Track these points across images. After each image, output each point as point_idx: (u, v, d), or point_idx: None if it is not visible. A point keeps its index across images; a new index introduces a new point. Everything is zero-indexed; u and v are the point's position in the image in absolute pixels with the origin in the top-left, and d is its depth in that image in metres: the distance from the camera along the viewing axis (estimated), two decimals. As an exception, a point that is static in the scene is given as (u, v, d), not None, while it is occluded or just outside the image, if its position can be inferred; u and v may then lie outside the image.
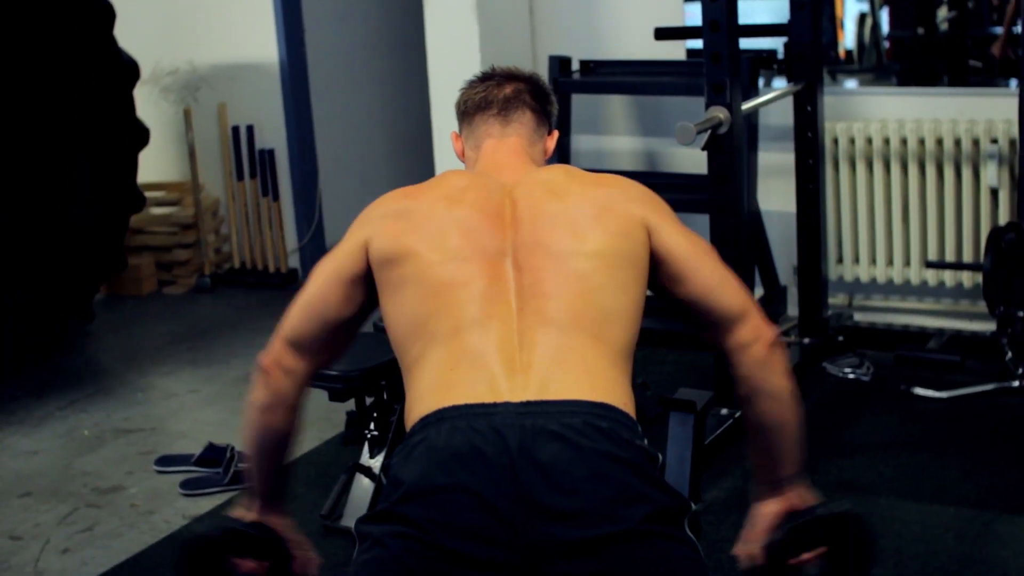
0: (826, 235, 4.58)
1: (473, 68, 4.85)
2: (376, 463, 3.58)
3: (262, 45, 6.24)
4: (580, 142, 5.22)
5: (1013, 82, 5.31)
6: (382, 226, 2.23)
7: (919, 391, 4.27)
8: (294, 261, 6.44)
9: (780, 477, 2.29)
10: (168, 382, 4.99)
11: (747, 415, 2.31)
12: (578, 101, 5.08)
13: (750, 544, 2.26)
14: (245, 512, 2.37)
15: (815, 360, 4.49)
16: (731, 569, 3.20)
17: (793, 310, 4.76)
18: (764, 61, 4.73)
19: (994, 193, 4.56)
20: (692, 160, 4.85)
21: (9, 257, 4.94)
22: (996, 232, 4.19)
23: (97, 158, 5.22)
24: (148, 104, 6.19)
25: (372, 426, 3.65)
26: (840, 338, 4.60)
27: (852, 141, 4.73)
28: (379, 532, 1.99)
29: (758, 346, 2.24)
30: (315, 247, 6.45)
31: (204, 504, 3.82)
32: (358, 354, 3.71)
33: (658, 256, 2.24)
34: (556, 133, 2.56)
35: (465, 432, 1.97)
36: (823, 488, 3.59)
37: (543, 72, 5.08)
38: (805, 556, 2.20)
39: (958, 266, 4.64)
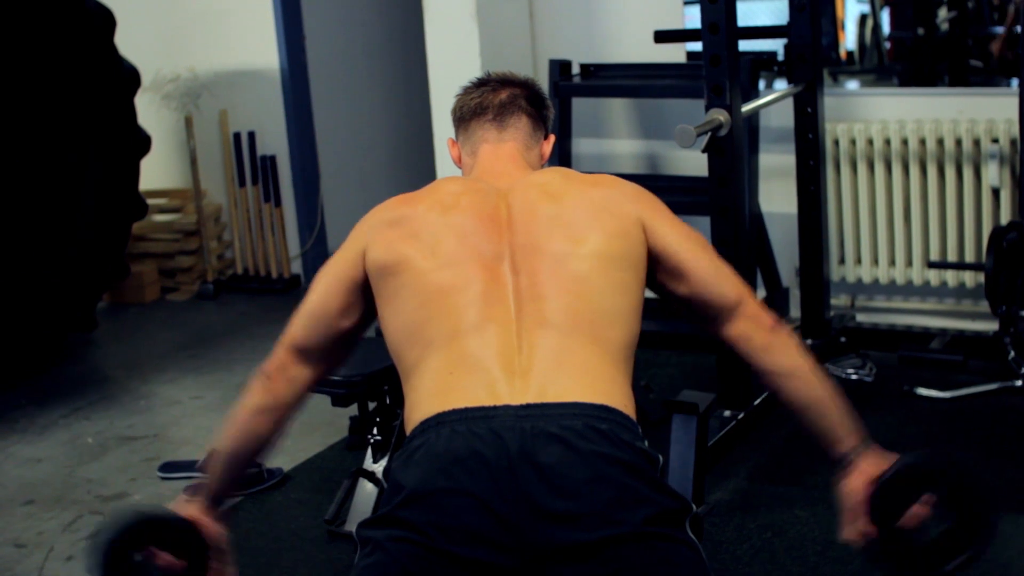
0: (828, 236, 4.57)
1: (473, 72, 4.90)
2: (379, 468, 3.58)
3: (263, 52, 6.24)
4: (581, 145, 5.22)
5: (1014, 82, 5.31)
6: (377, 235, 2.24)
7: (922, 391, 4.27)
8: (296, 267, 6.44)
9: (845, 452, 2.27)
10: (171, 389, 4.99)
11: (782, 401, 2.30)
12: (578, 105, 5.08)
13: (854, 524, 2.20)
14: (184, 505, 2.35)
15: (818, 361, 4.48)
16: (735, 571, 3.21)
17: (796, 312, 4.76)
18: (764, 63, 4.74)
19: (995, 193, 4.56)
20: (693, 163, 4.85)
21: (11, 266, 4.95)
22: (998, 232, 4.18)
23: (99, 166, 5.22)
24: (149, 112, 6.19)
25: (375, 431, 3.65)
26: (843, 339, 4.59)
27: (853, 142, 4.73)
28: (380, 536, 1.99)
29: (760, 333, 2.28)
30: (317, 253, 6.45)
31: (208, 510, 3.81)
32: (361, 359, 3.71)
33: (655, 253, 2.25)
34: (552, 138, 2.57)
35: (465, 436, 1.97)
36: (825, 489, 3.60)
37: (543, 76, 5.09)
38: (916, 510, 2.14)
39: (960, 266, 4.64)
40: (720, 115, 3.64)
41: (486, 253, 2.17)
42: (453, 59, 4.98)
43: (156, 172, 6.31)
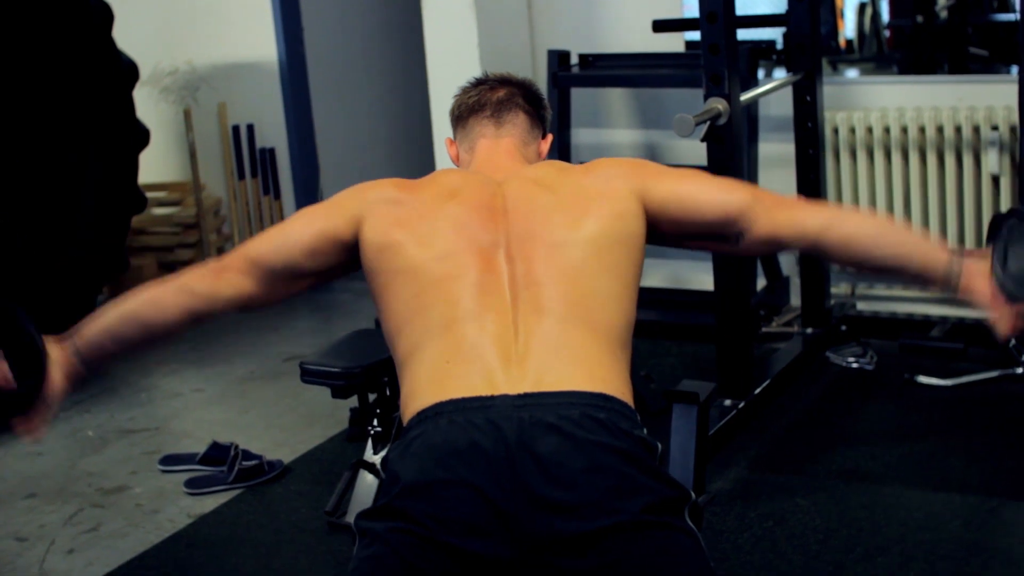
0: (828, 225, 4.56)
1: (472, 63, 4.91)
2: (380, 459, 3.57)
3: (261, 44, 6.23)
4: (580, 136, 5.21)
5: (1014, 69, 5.30)
6: (377, 210, 2.25)
7: (923, 379, 4.27)
8: (296, 259, 6.42)
9: (946, 271, 2.26)
10: (171, 382, 4.99)
11: (854, 263, 2.30)
12: (577, 95, 5.07)
13: (1001, 318, 2.20)
14: (52, 340, 2.33)
15: (819, 350, 4.49)
16: (736, 560, 3.21)
17: (796, 300, 4.76)
18: (763, 52, 4.74)
19: (995, 180, 4.56)
20: (693, 152, 4.84)
21: (10, 260, 4.94)
22: (998, 219, 4.17)
23: (97, 160, 5.21)
24: (148, 105, 6.19)
25: (375, 422, 3.65)
26: (843, 327, 4.59)
27: (853, 130, 4.72)
28: (378, 528, 1.99)
29: (780, 219, 2.28)
30: (317, 245, 6.45)
31: (209, 503, 3.82)
32: (360, 351, 3.72)
33: (659, 209, 2.29)
34: (551, 137, 2.60)
35: (462, 426, 1.97)
36: (826, 477, 3.61)
37: (542, 66, 5.08)
38: None
39: (960, 254, 4.63)
40: (719, 104, 3.63)
41: (482, 242, 2.18)
42: (451, 50, 4.97)
43: (155, 165, 6.30)
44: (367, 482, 3.52)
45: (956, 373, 4.27)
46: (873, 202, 4.76)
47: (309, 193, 6.39)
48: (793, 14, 4.31)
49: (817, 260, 4.46)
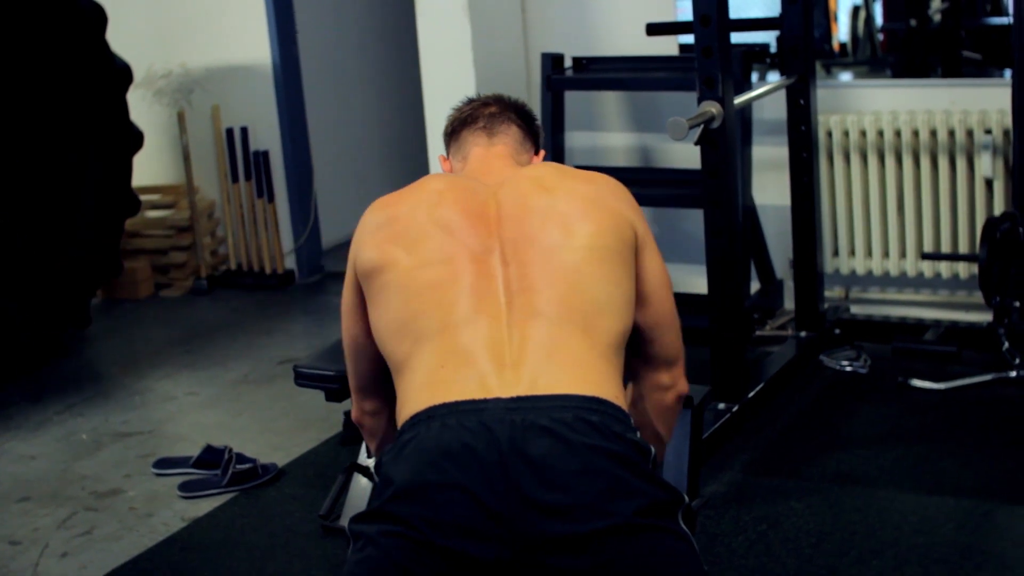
0: (822, 228, 4.58)
1: (466, 67, 4.92)
2: (373, 463, 3.57)
3: (255, 47, 6.23)
4: (574, 139, 5.22)
5: (1007, 72, 5.30)
6: (366, 240, 2.26)
7: (916, 383, 4.27)
8: (290, 262, 6.43)
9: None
10: (166, 385, 4.99)
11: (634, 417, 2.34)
12: (571, 98, 5.07)
13: None
14: None
15: (812, 353, 4.49)
16: (730, 564, 3.21)
17: (790, 304, 4.77)
18: (756, 55, 4.74)
19: (989, 183, 4.56)
20: (686, 155, 4.84)
21: (4, 263, 4.94)
22: (991, 222, 4.19)
23: (91, 162, 5.21)
24: (141, 107, 6.19)
25: (369, 426, 3.65)
26: (837, 331, 4.60)
27: (846, 134, 4.73)
28: (372, 531, 1.99)
29: (671, 394, 2.47)
30: (311, 248, 6.45)
31: (203, 506, 3.82)
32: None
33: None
34: (543, 153, 2.59)
35: (455, 429, 1.97)
36: (820, 480, 3.61)
37: (535, 69, 5.09)
38: None
39: (954, 257, 4.64)
40: (712, 107, 3.63)
41: (475, 247, 2.17)
42: (445, 53, 4.97)
43: (149, 168, 6.30)
44: (361, 486, 3.52)
45: (949, 377, 4.27)
46: (867, 205, 4.76)
47: (303, 196, 6.39)
48: (787, 17, 4.32)
49: (811, 264, 4.46)
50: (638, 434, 2.07)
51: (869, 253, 4.84)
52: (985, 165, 4.51)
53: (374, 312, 2.21)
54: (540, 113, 4.81)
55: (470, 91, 4.75)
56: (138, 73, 5.73)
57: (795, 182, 4.45)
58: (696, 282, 4.81)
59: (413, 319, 2.13)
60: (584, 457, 1.95)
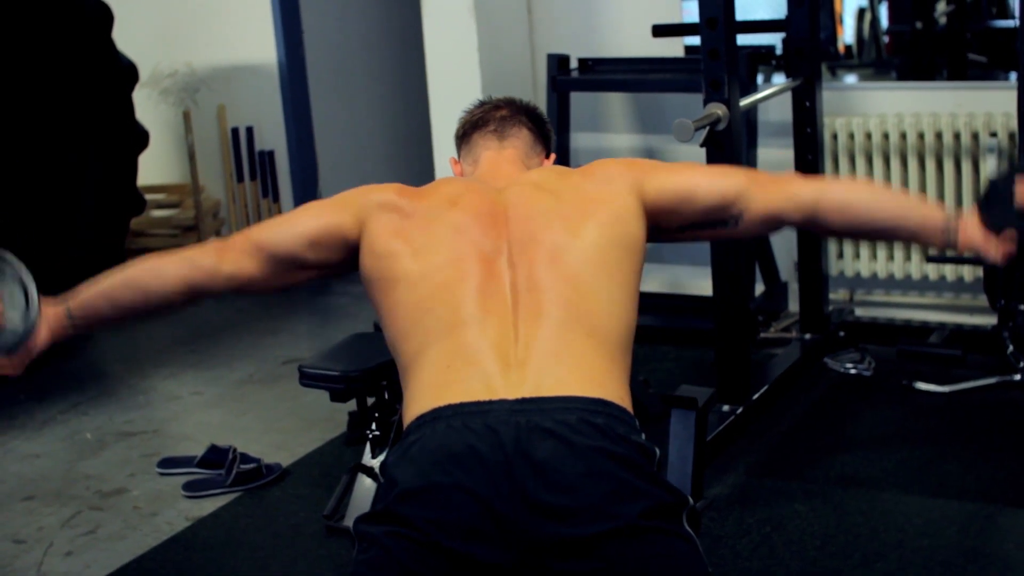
0: (826, 230, 4.56)
1: (472, 67, 4.92)
2: (378, 463, 3.57)
3: (261, 46, 6.24)
4: (579, 140, 5.22)
5: (1012, 75, 5.30)
6: (379, 216, 2.26)
7: (921, 386, 4.27)
8: (295, 262, 6.43)
9: (942, 229, 2.28)
10: (170, 384, 4.99)
11: (857, 230, 2.32)
12: (577, 99, 5.07)
13: (992, 249, 2.25)
14: (51, 301, 2.38)
15: (817, 356, 4.49)
16: (734, 566, 3.21)
17: (794, 306, 4.76)
18: (762, 57, 4.73)
19: (994, 186, 4.55)
20: (692, 157, 4.84)
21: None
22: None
23: (97, 161, 5.22)
24: (147, 107, 6.19)
25: (374, 426, 3.65)
26: (841, 333, 4.59)
27: (852, 136, 4.73)
28: (377, 532, 2.00)
29: (775, 195, 2.32)
30: (316, 248, 6.45)
31: (207, 506, 3.82)
32: (359, 354, 3.72)
33: (655, 200, 2.31)
34: (554, 156, 2.61)
35: (460, 431, 1.98)
36: (824, 483, 3.61)
37: (541, 70, 5.09)
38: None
39: (959, 260, 4.64)
40: (718, 109, 3.63)
41: (484, 248, 2.18)
42: (451, 53, 4.98)
43: (154, 167, 6.30)
44: (365, 486, 3.52)
45: (954, 379, 4.27)
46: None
47: (308, 196, 6.39)
48: (793, 19, 4.32)
49: (816, 267, 4.46)
50: (643, 436, 2.07)
51: (874, 255, 4.84)
52: (990, 168, 4.51)
53: (384, 306, 2.23)
54: (546, 114, 4.81)
55: (476, 92, 4.77)
56: (144, 72, 5.74)
57: (800, 184, 4.43)
58: (701, 284, 4.81)
59: (421, 319, 2.14)
60: (588, 459, 1.96)
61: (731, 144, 3.70)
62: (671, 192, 2.31)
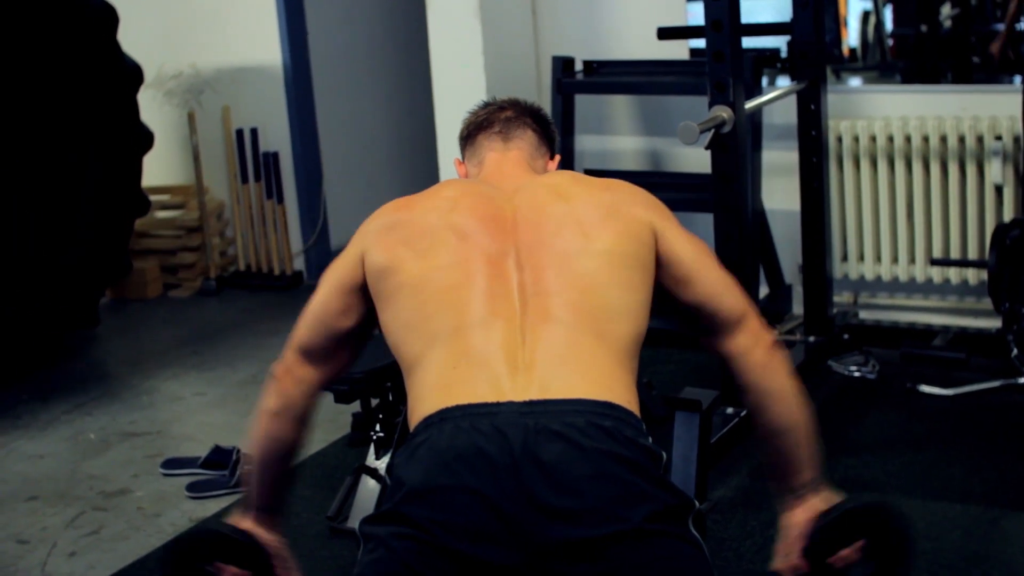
0: (831, 233, 4.57)
1: (476, 69, 4.92)
2: (382, 464, 3.58)
3: (265, 48, 6.24)
4: (584, 142, 5.22)
5: (1017, 79, 5.31)
6: (376, 239, 2.26)
7: (925, 388, 4.27)
8: (299, 263, 6.44)
9: (802, 483, 2.30)
10: (174, 385, 4.99)
11: (757, 423, 2.32)
12: (581, 101, 5.08)
13: (788, 556, 2.25)
14: (239, 519, 2.39)
15: (821, 358, 4.49)
16: (738, 568, 3.21)
17: (798, 308, 4.76)
18: (767, 60, 4.73)
19: (998, 190, 4.56)
20: (696, 159, 4.85)
21: (14, 262, 4.95)
22: (1001, 229, 4.18)
23: (100, 161, 5.22)
24: (152, 108, 6.19)
25: (378, 428, 3.65)
26: (845, 336, 4.59)
27: (856, 139, 4.73)
28: (383, 533, 1.99)
29: (759, 350, 2.29)
30: (320, 249, 6.46)
31: (211, 506, 3.82)
32: (363, 356, 3.71)
33: (664, 259, 2.26)
34: (558, 158, 2.61)
35: (468, 432, 1.97)
36: (829, 486, 3.60)
37: (546, 72, 5.09)
38: (844, 552, 2.19)
39: (963, 263, 4.64)
40: (723, 112, 3.63)
41: (489, 250, 2.18)
42: (456, 55, 4.98)
43: (159, 168, 6.31)
44: (369, 487, 3.52)
45: (958, 383, 4.27)
46: (876, 210, 4.76)
47: (312, 197, 6.40)
48: (797, 22, 4.32)
49: (820, 269, 4.46)
50: (650, 439, 2.07)
51: (878, 258, 4.83)
52: (995, 171, 4.51)
53: (387, 311, 2.22)
54: (550, 116, 4.81)
55: (481, 94, 4.77)
56: (149, 73, 5.74)
57: (805, 187, 4.44)
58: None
59: (426, 320, 2.14)
60: (596, 462, 1.96)
61: (736, 147, 3.70)
62: (685, 264, 2.26)
